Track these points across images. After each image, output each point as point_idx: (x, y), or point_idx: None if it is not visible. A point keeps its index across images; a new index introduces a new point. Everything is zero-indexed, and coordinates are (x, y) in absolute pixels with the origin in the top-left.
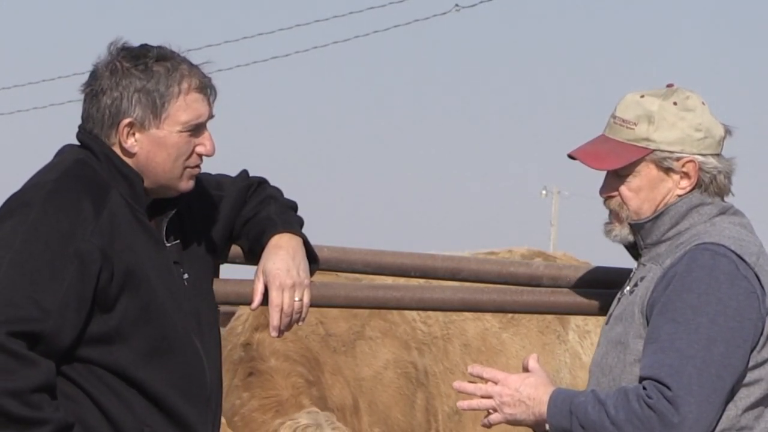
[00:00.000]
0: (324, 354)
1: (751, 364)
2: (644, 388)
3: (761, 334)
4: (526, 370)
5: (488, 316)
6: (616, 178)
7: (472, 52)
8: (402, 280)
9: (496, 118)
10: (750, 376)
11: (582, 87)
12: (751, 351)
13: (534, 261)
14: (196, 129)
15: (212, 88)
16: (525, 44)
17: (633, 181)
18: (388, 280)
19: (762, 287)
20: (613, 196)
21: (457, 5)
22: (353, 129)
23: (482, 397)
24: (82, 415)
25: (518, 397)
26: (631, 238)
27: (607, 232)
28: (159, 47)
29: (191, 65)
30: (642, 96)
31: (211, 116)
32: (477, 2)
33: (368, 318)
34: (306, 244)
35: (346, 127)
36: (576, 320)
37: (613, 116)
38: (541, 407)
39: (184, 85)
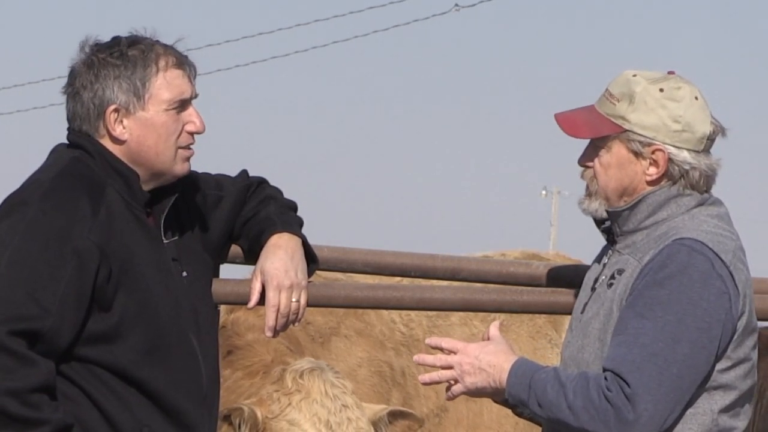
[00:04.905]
0: (304, 339)
1: (724, 365)
2: (606, 379)
3: (732, 335)
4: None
5: (476, 321)
6: (593, 149)
7: (472, 52)
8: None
9: (496, 117)
10: (724, 378)
11: (582, 87)
12: (723, 352)
13: (534, 261)
14: (182, 106)
15: (191, 65)
16: (525, 44)
17: (605, 157)
18: (387, 280)
19: (736, 286)
20: (588, 167)
21: (457, 5)
22: (353, 129)
23: (443, 368)
24: (81, 415)
25: (478, 365)
26: (600, 213)
27: (579, 204)
28: (129, 35)
29: (165, 45)
30: (634, 75)
31: (195, 94)
32: (477, 2)
33: (343, 317)
34: (305, 244)
35: (346, 127)
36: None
37: (606, 89)
38: (502, 375)
39: (162, 63)
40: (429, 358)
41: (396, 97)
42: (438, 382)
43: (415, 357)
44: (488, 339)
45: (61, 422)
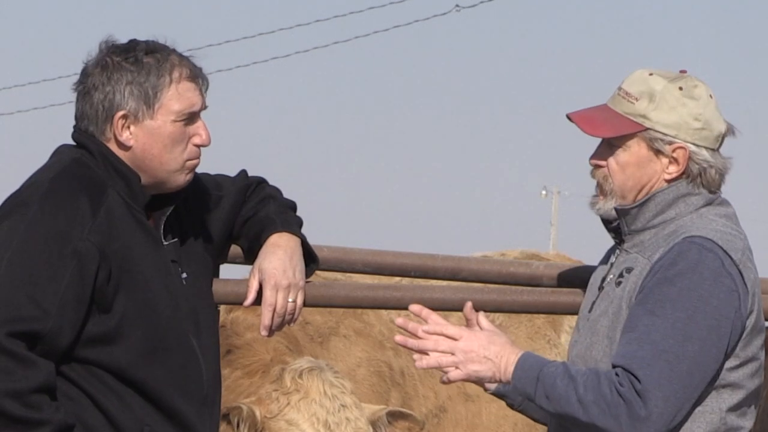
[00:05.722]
0: (302, 338)
1: (732, 364)
2: (617, 375)
3: (741, 333)
4: (468, 319)
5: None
6: (608, 148)
7: (472, 52)
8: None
9: (497, 118)
10: (732, 377)
11: (582, 87)
12: (732, 350)
13: (534, 261)
14: (190, 118)
15: (204, 78)
16: (525, 44)
17: (622, 155)
18: (387, 280)
19: (745, 285)
20: (601, 166)
21: (457, 5)
22: (353, 129)
23: (442, 352)
24: (82, 415)
25: (485, 354)
26: (613, 213)
27: (591, 205)
28: (147, 41)
29: (181, 56)
30: (651, 74)
31: (204, 106)
32: (477, 2)
33: (343, 317)
34: (304, 244)
35: (346, 127)
36: (570, 321)
37: (619, 88)
38: (508, 367)
39: (175, 75)
40: (428, 343)
41: (396, 97)
42: (436, 367)
43: (410, 342)
44: (478, 326)
45: (62, 422)
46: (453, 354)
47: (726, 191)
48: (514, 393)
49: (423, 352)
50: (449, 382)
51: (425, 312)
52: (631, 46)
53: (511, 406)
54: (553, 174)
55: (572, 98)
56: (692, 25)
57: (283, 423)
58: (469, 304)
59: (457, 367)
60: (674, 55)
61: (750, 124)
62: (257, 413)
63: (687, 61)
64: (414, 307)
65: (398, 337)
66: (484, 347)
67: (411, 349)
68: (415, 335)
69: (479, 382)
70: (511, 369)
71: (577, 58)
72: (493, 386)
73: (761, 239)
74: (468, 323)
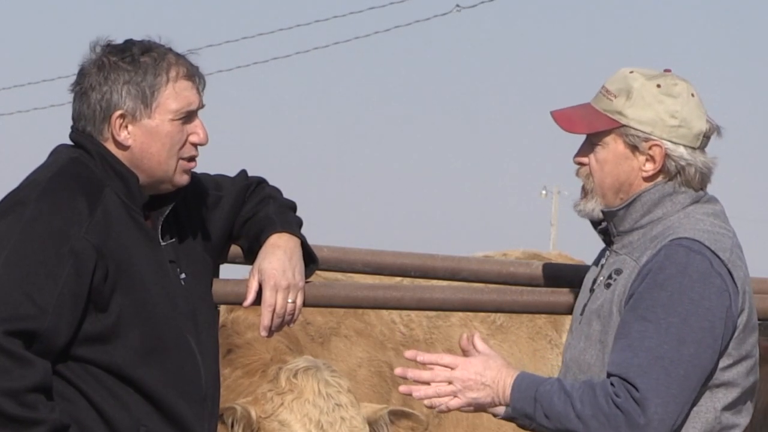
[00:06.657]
0: (303, 339)
1: (726, 363)
2: (612, 385)
3: (733, 332)
4: (465, 350)
5: (476, 322)
6: (589, 146)
7: (473, 52)
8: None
9: (496, 118)
10: (726, 375)
11: (582, 87)
12: (725, 350)
13: (534, 261)
14: (188, 117)
15: (200, 76)
16: (525, 44)
17: (600, 153)
18: (387, 280)
19: (735, 284)
20: (583, 163)
21: (457, 5)
22: (353, 129)
23: (440, 382)
24: (77, 415)
25: (482, 381)
26: (595, 214)
27: (574, 206)
28: (143, 40)
29: (177, 54)
30: (631, 72)
31: (201, 105)
32: (477, 2)
33: (343, 317)
34: (304, 244)
35: (346, 128)
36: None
37: (602, 86)
38: (505, 390)
39: (172, 73)
40: (425, 374)
41: (396, 97)
42: (433, 398)
43: (409, 373)
44: (474, 348)
45: (57, 422)
46: (451, 383)
47: (726, 191)
48: (517, 414)
49: (423, 382)
50: (448, 410)
51: (420, 356)
52: (632, 46)
53: (524, 427)
54: (553, 174)
55: (572, 98)
56: (692, 26)
57: (276, 423)
58: (464, 336)
59: (455, 396)
60: (676, 56)
61: (750, 124)
62: (252, 413)
63: (689, 61)
64: (409, 354)
65: (398, 370)
66: (480, 374)
67: (411, 379)
68: (418, 383)
69: (480, 408)
70: (508, 391)
71: (577, 58)
72: (500, 411)
73: (761, 239)
74: (465, 354)
